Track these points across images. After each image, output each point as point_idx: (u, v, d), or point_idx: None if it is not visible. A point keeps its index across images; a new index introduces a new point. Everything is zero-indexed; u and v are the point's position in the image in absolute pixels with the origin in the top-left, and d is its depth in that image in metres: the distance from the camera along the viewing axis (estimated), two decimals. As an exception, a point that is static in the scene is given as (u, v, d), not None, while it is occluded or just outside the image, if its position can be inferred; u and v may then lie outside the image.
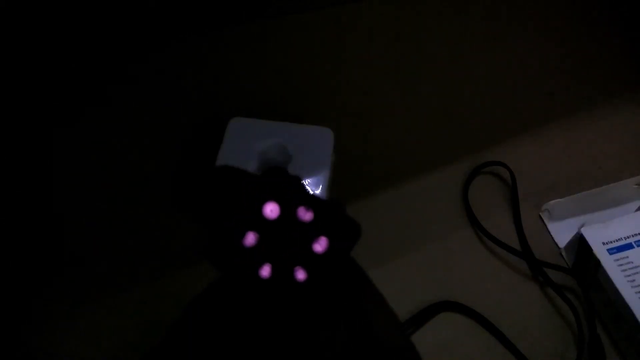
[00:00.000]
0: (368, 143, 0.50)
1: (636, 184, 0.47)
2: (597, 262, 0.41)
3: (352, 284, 0.28)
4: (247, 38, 0.56)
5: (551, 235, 0.46)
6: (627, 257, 0.41)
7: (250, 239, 0.27)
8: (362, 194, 0.47)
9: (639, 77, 0.56)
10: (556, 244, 0.46)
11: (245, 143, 0.44)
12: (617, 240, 0.42)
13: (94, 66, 0.53)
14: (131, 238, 0.44)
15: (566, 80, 0.55)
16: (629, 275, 0.40)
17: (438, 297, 0.43)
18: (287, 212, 0.27)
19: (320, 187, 0.42)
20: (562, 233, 0.46)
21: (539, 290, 0.43)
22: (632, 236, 0.42)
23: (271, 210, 0.27)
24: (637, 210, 0.46)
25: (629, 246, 0.42)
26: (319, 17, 0.58)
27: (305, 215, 0.27)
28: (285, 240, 0.27)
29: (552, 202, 0.46)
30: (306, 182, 0.41)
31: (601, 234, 0.42)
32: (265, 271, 0.27)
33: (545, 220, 0.47)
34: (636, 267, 0.40)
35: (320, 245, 0.27)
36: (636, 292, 0.39)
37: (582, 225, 0.43)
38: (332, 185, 0.44)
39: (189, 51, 0.55)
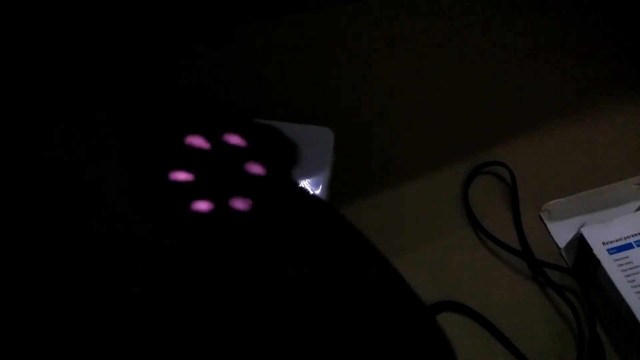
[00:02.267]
0: (368, 143, 0.50)
1: (636, 184, 0.47)
2: (597, 262, 0.41)
3: (317, 216, 0.26)
4: (247, 38, 0.56)
5: (551, 235, 0.46)
6: (627, 257, 0.41)
7: (179, 175, 0.25)
8: (362, 194, 0.47)
9: (639, 76, 0.56)
10: (556, 244, 0.46)
11: (245, 143, 0.44)
12: (617, 240, 0.42)
13: (94, 66, 0.53)
14: (128, 239, 0.44)
15: (566, 80, 0.55)
16: (629, 275, 0.40)
17: (438, 297, 0.43)
18: (213, 139, 0.25)
19: (320, 187, 0.42)
20: (562, 233, 0.46)
21: (539, 290, 0.43)
22: (632, 236, 0.42)
23: (198, 142, 0.25)
24: (637, 210, 0.46)
25: (629, 246, 0.42)
26: (319, 17, 0.58)
27: (233, 139, 0.25)
28: (216, 170, 0.25)
29: (552, 202, 0.46)
30: (306, 182, 0.41)
31: (601, 234, 0.42)
32: (203, 205, 0.24)
33: (545, 220, 0.47)
34: (636, 267, 0.40)
35: (255, 168, 0.25)
36: (636, 292, 0.39)
37: (582, 225, 0.43)
38: (332, 185, 0.44)
39: (189, 51, 0.55)
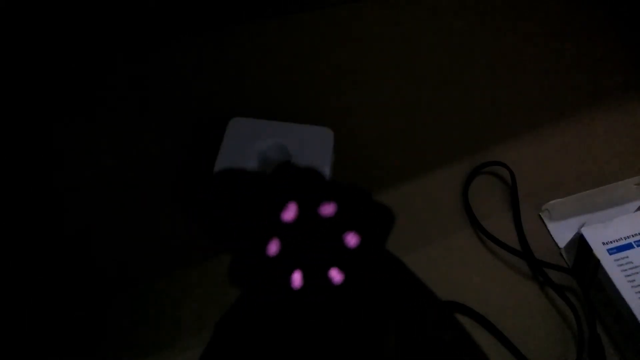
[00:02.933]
0: (368, 143, 0.50)
1: (636, 184, 0.47)
2: (597, 262, 0.41)
3: (395, 279, 0.25)
4: (247, 38, 0.56)
5: (551, 235, 0.46)
6: (627, 257, 0.41)
7: (274, 246, 0.23)
8: (362, 194, 0.47)
9: (639, 76, 0.56)
10: (556, 244, 0.46)
11: (245, 143, 0.44)
12: (617, 240, 0.42)
13: (94, 66, 0.53)
14: (131, 237, 0.44)
15: (566, 80, 0.55)
16: (629, 275, 0.40)
17: (438, 297, 0.43)
18: (307, 210, 0.24)
19: (321, 187, 0.42)
20: (562, 233, 0.46)
21: (539, 290, 0.43)
22: (632, 236, 0.42)
23: (291, 212, 0.24)
24: (637, 210, 0.46)
25: (629, 246, 0.42)
26: (319, 17, 0.58)
27: (328, 209, 0.24)
28: (311, 241, 0.24)
29: (552, 202, 0.46)
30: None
31: (601, 234, 0.42)
32: (297, 280, 0.23)
33: (545, 220, 0.47)
34: (636, 267, 0.40)
35: (351, 239, 0.24)
36: (636, 292, 0.39)
37: (582, 225, 0.43)
38: (332, 185, 0.44)
39: (189, 51, 0.55)
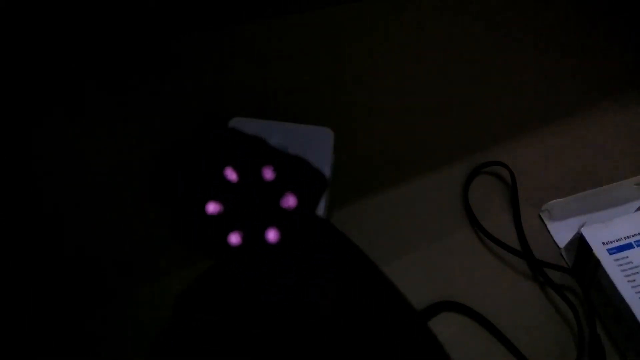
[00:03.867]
0: (368, 143, 0.50)
1: (636, 184, 0.47)
2: (597, 262, 0.41)
3: (335, 244, 0.26)
4: (247, 38, 0.56)
5: (551, 235, 0.46)
6: (627, 257, 0.41)
7: (213, 207, 0.25)
8: (362, 194, 0.47)
9: (639, 76, 0.56)
10: (556, 244, 0.46)
11: (245, 143, 0.44)
12: (617, 240, 0.42)
13: (94, 66, 0.53)
14: (129, 238, 0.44)
15: (566, 80, 0.55)
16: (629, 275, 0.40)
17: (438, 297, 0.43)
18: (248, 173, 0.25)
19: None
20: (562, 233, 0.46)
21: (539, 290, 0.43)
22: (632, 236, 0.42)
23: (231, 175, 0.25)
24: (637, 210, 0.46)
25: (629, 246, 0.42)
26: (319, 17, 0.58)
27: (268, 174, 0.25)
28: (251, 202, 0.25)
29: (552, 202, 0.46)
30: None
31: (601, 234, 0.42)
32: (235, 238, 0.25)
33: (545, 220, 0.47)
34: (636, 267, 0.40)
35: (288, 202, 0.25)
36: (636, 292, 0.39)
37: (582, 225, 0.43)
38: (332, 185, 0.44)
39: (189, 51, 0.55)
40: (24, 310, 0.40)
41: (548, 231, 0.46)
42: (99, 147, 0.49)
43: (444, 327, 0.41)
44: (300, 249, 0.25)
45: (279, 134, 0.45)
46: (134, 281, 0.42)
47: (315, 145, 0.44)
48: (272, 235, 0.24)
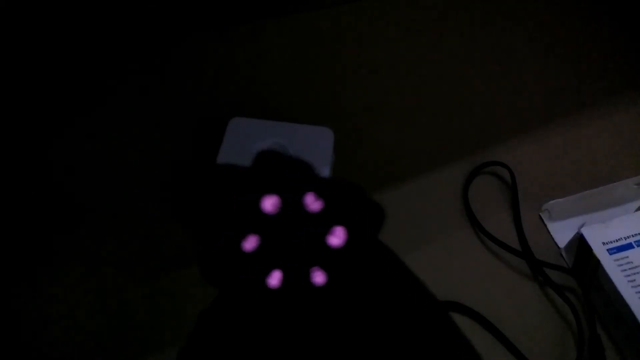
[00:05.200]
0: (368, 143, 0.50)
1: (636, 184, 0.47)
2: (597, 262, 0.41)
3: (386, 272, 0.23)
4: (247, 38, 0.56)
5: (551, 235, 0.46)
6: (627, 257, 0.41)
7: (251, 242, 0.21)
8: (362, 194, 0.47)
9: (639, 76, 0.56)
10: (556, 244, 0.46)
11: (245, 143, 0.44)
12: (617, 240, 0.42)
13: (94, 66, 0.53)
14: (130, 238, 0.44)
15: (566, 80, 0.55)
16: (629, 275, 0.40)
17: (438, 297, 0.43)
18: (291, 203, 0.22)
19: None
20: (562, 233, 0.46)
21: (539, 290, 0.43)
22: (632, 236, 0.42)
23: (271, 204, 0.22)
24: (637, 210, 0.46)
25: (629, 246, 0.42)
26: (319, 17, 0.58)
27: (314, 204, 0.22)
28: (294, 237, 0.22)
29: (552, 202, 0.46)
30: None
31: (601, 234, 0.42)
32: (275, 279, 0.21)
33: (545, 220, 0.47)
34: (636, 267, 0.40)
35: (336, 238, 0.22)
36: (636, 292, 0.39)
37: (582, 225, 0.43)
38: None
39: (189, 51, 0.55)
40: (32, 304, 0.40)
41: (548, 231, 0.46)
42: (96, 146, 0.49)
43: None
44: (347, 291, 0.22)
45: (279, 134, 0.45)
46: (147, 278, 0.42)
47: (315, 145, 0.44)
48: (318, 277, 0.22)
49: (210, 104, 0.52)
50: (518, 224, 0.46)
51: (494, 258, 0.45)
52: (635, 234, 0.42)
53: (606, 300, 0.41)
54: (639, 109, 0.54)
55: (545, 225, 0.47)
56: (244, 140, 0.44)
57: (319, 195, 0.21)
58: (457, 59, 0.56)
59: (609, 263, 0.41)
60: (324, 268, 0.22)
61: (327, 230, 0.22)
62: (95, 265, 0.43)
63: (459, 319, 0.42)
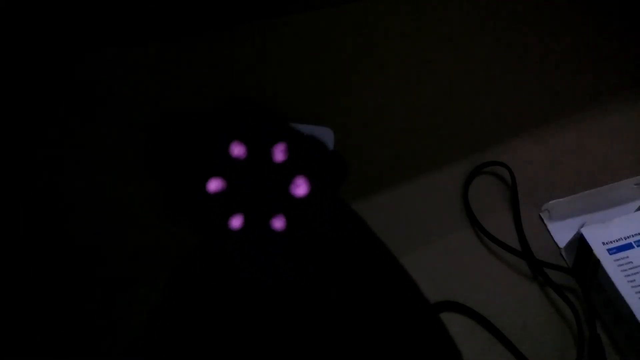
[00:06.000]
0: (368, 143, 0.50)
1: (636, 184, 0.47)
2: (597, 262, 0.41)
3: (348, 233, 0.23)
4: (248, 38, 0.56)
5: (551, 235, 0.46)
6: (627, 257, 0.41)
7: (215, 185, 0.21)
8: (361, 193, 0.47)
9: (639, 76, 0.56)
10: (556, 244, 0.46)
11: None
12: (617, 240, 0.42)
13: (94, 66, 0.53)
14: (132, 236, 0.44)
15: (566, 80, 0.55)
16: (629, 275, 0.40)
17: (438, 297, 0.43)
18: (258, 151, 0.22)
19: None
20: (562, 233, 0.46)
21: (539, 290, 0.43)
22: (632, 236, 0.42)
23: (239, 150, 0.22)
24: (637, 210, 0.46)
25: (629, 246, 0.42)
26: (319, 17, 0.58)
27: (280, 154, 0.22)
28: (258, 184, 0.22)
29: (552, 202, 0.46)
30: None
31: (601, 234, 0.42)
32: (237, 221, 0.21)
33: (545, 220, 0.47)
34: (636, 267, 0.40)
35: (299, 188, 0.22)
36: (636, 292, 0.39)
37: (582, 225, 0.43)
38: (332, 185, 0.44)
39: (189, 51, 0.55)
40: (33, 307, 0.41)
41: (548, 231, 0.46)
42: (96, 146, 0.49)
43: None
44: (307, 239, 0.22)
45: (279, 134, 0.45)
46: (149, 277, 0.42)
47: (315, 145, 0.44)
48: (277, 223, 0.22)
49: (210, 104, 0.52)
50: (518, 224, 0.46)
51: (494, 258, 0.45)
52: (635, 234, 0.42)
53: (606, 300, 0.41)
54: (639, 109, 0.54)
55: (545, 225, 0.47)
56: (244, 140, 0.44)
57: (285, 145, 0.21)
58: (457, 59, 0.56)
59: (609, 263, 0.41)
60: (285, 215, 0.22)
61: (290, 178, 0.22)
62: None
63: (459, 319, 0.42)
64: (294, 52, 0.56)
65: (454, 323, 0.42)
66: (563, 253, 0.45)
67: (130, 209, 0.45)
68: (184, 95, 0.52)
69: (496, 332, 0.41)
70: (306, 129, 0.45)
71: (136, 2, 0.53)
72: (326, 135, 0.45)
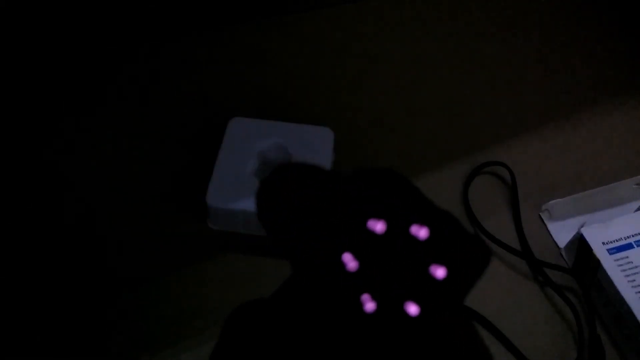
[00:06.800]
0: (368, 143, 0.50)
1: (636, 184, 0.47)
2: (597, 262, 0.41)
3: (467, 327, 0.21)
4: (247, 38, 0.56)
5: (551, 235, 0.46)
6: (627, 257, 0.41)
7: (352, 261, 0.20)
8: (362, 194, 0.47)
9: (639, 77, 0.56)
10: (556, 244, 0.46)
11: (245, 143, 0.44)
12: (617, 240, 0.42)
13: (94, 66, 0.53)
14: (134, 236, 0.44)
15: (566, 79, 0.55)
16: (629, 275, 0.40)
17: (438, 297, 0.42)
18: (396, 228, 0.21)
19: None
20: (562, 233, 0.46)
21: (539, 290, 0.43)
22: (632, 236, 0.42)
23: (379, 226, 0.20)
24: (637, 210, 0.46)
25: (629, 246, 0.42)
26: (319, 17, 0.58)
27: (420, 231, 0.21)
28: (394, 263, 0.20)
29: (552, 202, 0.46)
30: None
31: (601, 234, 0.42)
32: (370, 305, 0.20)
33: (545, 220, 0.47)
34: (636, 267, 0.40)
35: (439, 271, 0.20)
36: (636, 292, 0.39)
37: (582, 225, 0.43)
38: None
39: (189, 51, 0.55)
40: (34, 306, 0.40)
41: (548, 231, 0.46)
42: (100, 146, 0.49)
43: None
44: (439, 330, 0.20)
45: (279, 134, 0.45)
46: (150, 277, 0.42)
47: (316, 145, 0.44)
48: (412, 308, 0.20)
49: (211, 103, 0.52)
50: (518, 224, 0.46)
51: (494, 258, 0.45)
52: (635, 234, 0.42)
53: (606, 300, 0.41)
54: (639, 108, 0.54)
55: (545, 225, 0.47)
56: (244, 140, 0.44)
57: (426, 223, 0.20)
58: (457, 59, 0.56)
59: (609, 263, 0.41)
60: (420, 300, 0.21)
61: (429, 262, 0.21)
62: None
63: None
64: (294, 52, 0.56)
65: (454, 323, 0.42)
66: (563, 253, 0.45)
67: (135, 208, 0.45)
68: (184, 95, 0.52)
69: (496, 332, 0.41)
70: (306, 129, 0.45)
71: (137, 3, 0.53)
72: (326, 135, 0.45)
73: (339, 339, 0.19)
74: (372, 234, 0.21)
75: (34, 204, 0.45)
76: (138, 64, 0.54)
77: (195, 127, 0.50)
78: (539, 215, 0.47)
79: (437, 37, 0.58)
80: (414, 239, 0.21)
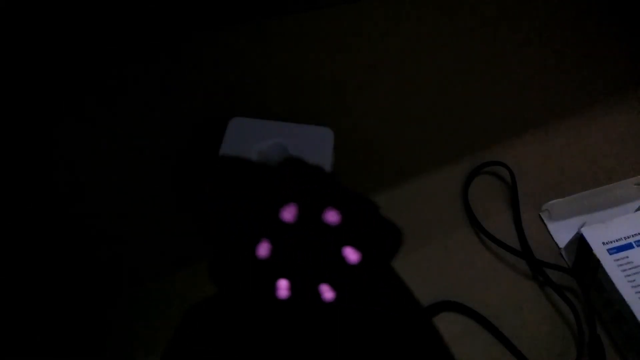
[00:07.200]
0: (368, 143, 0.50)
1: (636, 184, 0.47)
2: (597, 262, 0.41)
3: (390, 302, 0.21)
4: (247, 38, 0.56)
5: (551, 235, 0.46)
6: (627, 257, 0.41)
7: (265, 249, 0.21)
8: (362, 193, 0.47)
9: (639, 76, 0.56)
10: (556, 244, 0.46)
11: (245, 143, 0.44)
12: (617, 240, 0.42)
13: (94, 66, 0.53)
14: (132, 237, 0.44)
15: (566, 80, 0.55)
16: (629, 275, 0.40)
17: (438, 297, 0.43)
18: (309, 214, 0.21)
19: (321, 187, 0.42)
20: (562, 233, 0.46)
21: (539, 290, 0.43)
22: (632, 236, 0.42)
23: (290, 213, 0.21)
24: (637, 210, 0.46)
25: (629, 246, 0.42)
26: (319, 17, 0.58)
27: (332, 217, 0.21)
28: (307, 249, 0.21)
29: (552, 202, 0.46)
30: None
31: (601, 234, 0.42)
32: (284, 290, 0.20)
33: (545, 220, 0.47)
34: (636, 267, 0.40)
35: (352, 255, 0.21)
36: (636, 292, 0.39)
37: (582, 225, 0.43)
38: (332, 185, 0.44)
39: (189, 51, 0.55)
40: (33, 306, 0.41)
41: (548, 231, 0.46)
42: (100, 146, 0.49)
43: (444, 327, 0.41)
44: (355, 312, 0.21)
45: (279, 134, 0.45)
46: (149, 278, 0.42)
47: (316, 145, 0.44)
48: (326, 293, 0.21)
49: (211, 103, 0.52)
50: (518, 224, 0.46)
51: (494, 258, 0.45)
52: (635, 234, 0.42)
53: (606, 300, 0.41)
54: (639, 109, 0.54)
55: (545, 225, 0.47)
56: (244, 140, 0.44)
57: (338, 208, 0.20)
58: (457, 59, 0.56)
59: (609, 263, 0.41)
60: (335, 284, 0.20)
61: (341, 246, 0.21)
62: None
63: (459, 319, 0.42)
64: (295, 52, 0.56)
65: (454, 323, 0.42)
66: (563, 253, 0.45)
67: (135, 208, 0.45)
68: (185, 94, 0.52)
69: (496, 332, 0.41)
70: (306, 129, 0.45)
71: (139, 3, 0.53)
72: (326, 135, 0.45)
73: (259, 325, 0.20)
74: (286, 222, 0.20)
75: (34, 203, 0.45)
76: (138, 64, 0.54)
77: (195, 127, 0.50)
78: (539, 215, 0.47)
79: (437, 37, 0.58)
80: (326, 224, 0.20)
